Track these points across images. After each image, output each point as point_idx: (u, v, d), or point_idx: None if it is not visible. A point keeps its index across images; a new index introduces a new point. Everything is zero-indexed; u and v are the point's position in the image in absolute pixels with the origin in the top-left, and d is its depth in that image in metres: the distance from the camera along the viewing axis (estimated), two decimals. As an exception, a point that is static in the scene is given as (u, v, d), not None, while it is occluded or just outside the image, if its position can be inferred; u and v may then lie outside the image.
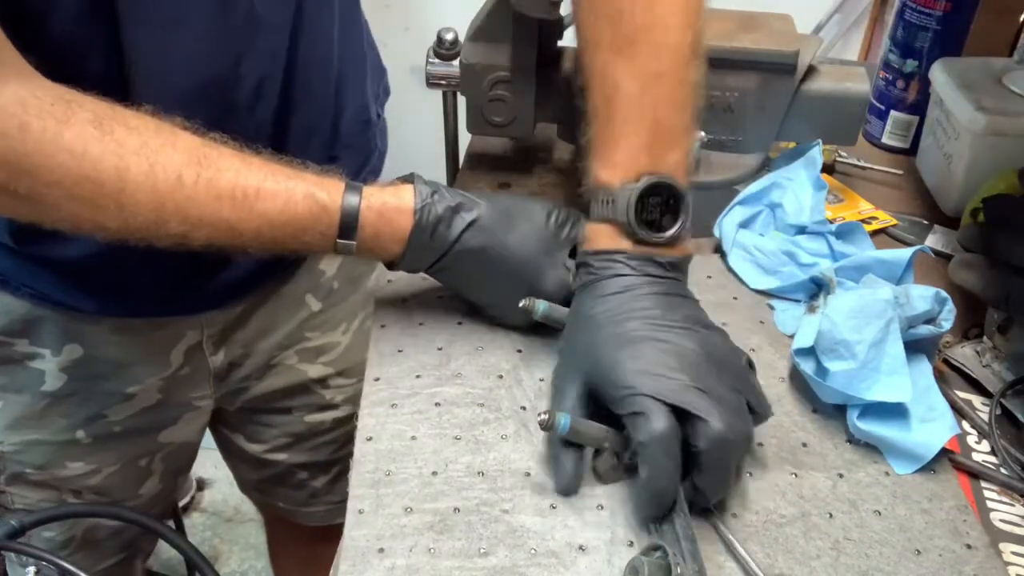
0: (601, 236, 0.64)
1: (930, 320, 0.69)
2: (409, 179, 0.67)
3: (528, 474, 0.62)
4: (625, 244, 0.63)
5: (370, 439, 0.64)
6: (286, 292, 0.91)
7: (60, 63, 0.62)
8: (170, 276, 0.78)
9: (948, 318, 0.69)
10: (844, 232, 0.82)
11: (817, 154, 0.85)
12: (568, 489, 0.60)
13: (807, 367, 0.68)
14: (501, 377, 0.69)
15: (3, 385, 0.83)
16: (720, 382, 0.57)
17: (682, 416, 0.55)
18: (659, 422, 0.54)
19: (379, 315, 0.75)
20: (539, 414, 0.57)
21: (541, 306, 0.66)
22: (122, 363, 0.84)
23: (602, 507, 0.59)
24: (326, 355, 0.96)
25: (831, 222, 0.83)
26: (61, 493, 0.89)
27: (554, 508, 0.59)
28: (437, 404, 0.67)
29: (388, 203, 0.65)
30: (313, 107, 0.81)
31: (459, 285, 0.72)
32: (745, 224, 0.85)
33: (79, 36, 0.63)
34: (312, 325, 0.94)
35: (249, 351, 0.92)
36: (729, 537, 0.57)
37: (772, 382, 0.70)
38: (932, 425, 0.65)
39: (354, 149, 0.90)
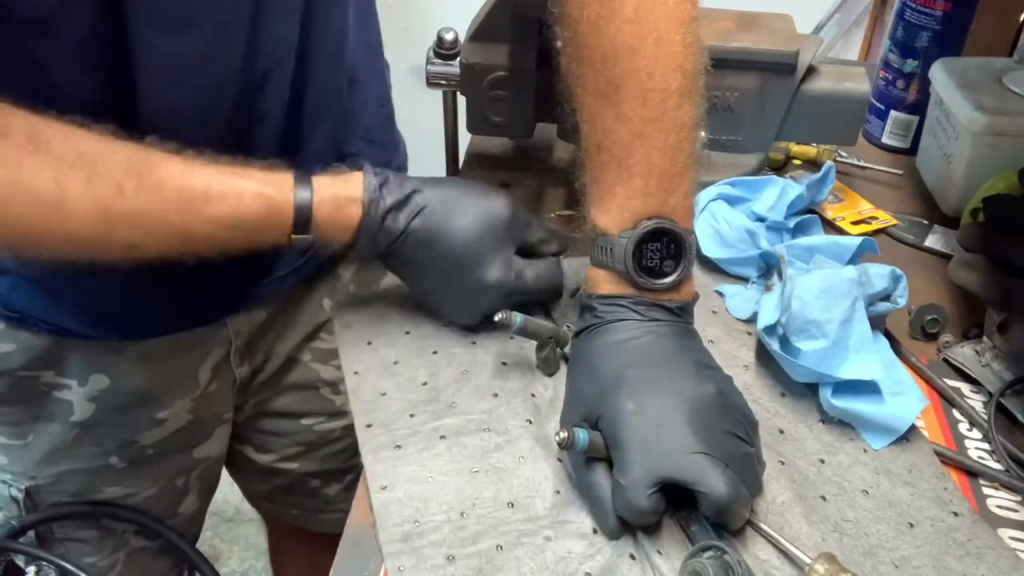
0: (603, 282, 0.63)
1: (886, 297, 0.71)
2: (359, 166, 0.67)
3: (558, 492, 0.60)
4: (628, 290, 0.62)
5: (385, 488, 0.61)
6: (306, 297, 0.91)
7: (64, 74, 0.61)
8: (190, 290, 0.77)
9: (903, 295, 0.72)
10: (802, 227, 0.83)
11: (830, 175, 0.88)
12: (619, 530, 0.57)
13: (775, 346, 0.68)
14: (496, 395, 0.67)
15: (33, 416, 0.81)
16: (727, 435, 0.56)
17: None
18: (636, 502, 0.54)
19: (348, 362, 0.71)
20: (556, 435, 0.56)
21: (518, 319, 0.65)
22: (149, 391, 0.83)
23: None
24: (339, 359, 0.95)
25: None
26: (100, 519, 0.88)
27: (595, 528, 0.58)
28: (443, 437, 0.64)
29: (339, 194, 0.65)
30: (321, 98, 0.78)
31: (410, 276, 0.72)
32: (729, 202, 0.85)
33: (87, 43, 0.61)
34: (328, 328, 0.93)
35: (270, 356, 0.92)
36: (767, 530, 0.57)
37: (736, 371, 0.70)
38: (902, 398, 0.67)
39: (378, 145, 0.88)
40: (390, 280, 0.77)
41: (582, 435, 0.56)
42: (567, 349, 0.69)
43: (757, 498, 0.59)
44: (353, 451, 1.00)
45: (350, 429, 0.98)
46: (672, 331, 0.61)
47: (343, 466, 1.03)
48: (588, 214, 0.65)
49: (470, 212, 0.69)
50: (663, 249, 0.61)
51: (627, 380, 0.58)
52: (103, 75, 0.63)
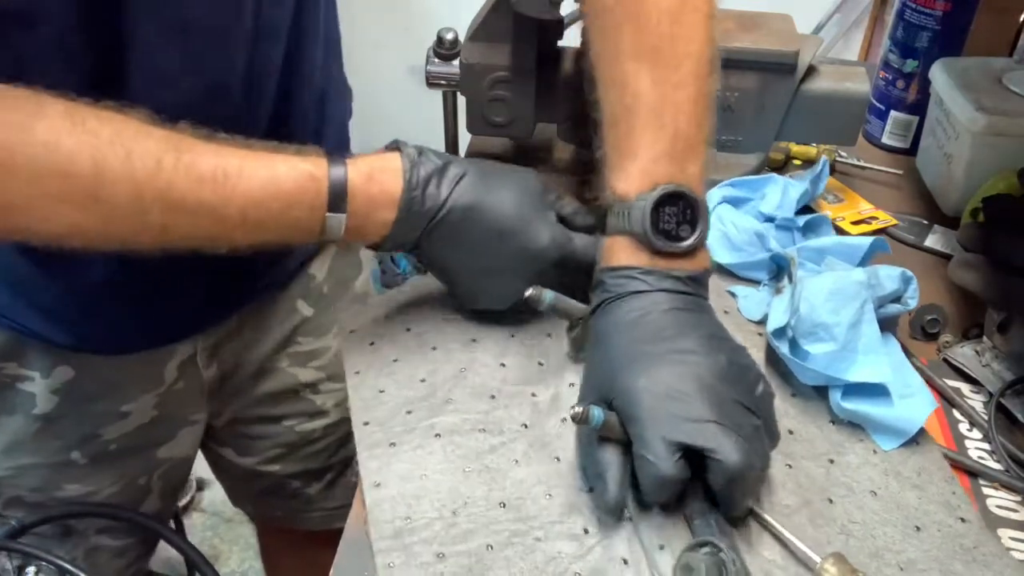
0: (617, 250, 0.62)
1: (896, 299, 0.71)
2: (393, 146, 0.66)
3: (550, 495, 0.60)
4: (642, 257, 0.61)
5: (378, 485, 0.61)
6: (279, 301, 0.91)
7: (52, 65, 0.61)
8: (160, 310, 0.78)
9: (914, 296, 0.72)
10: (812, 225, 0.83)
11: (824, 169, 0.87)
12: (617, 505, 0.57)
13: (784, 349, 0.68)
14: (493, 397, 0.67)
15: None
16: (737, 406, 0.56)
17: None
18: (663, 469, 0.54)
19: (350, 363, 0.72)
20: (571, 408, 0.55)
21: (548, 296, 0.64)
22: (114, 383, 0.83)
23: (630, 517, 0.58)
24: (317, 360, 0.95)
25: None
26: (73, 517, 0.87)
27: (586, 529, 0.58)
28: (437, 435, 0.64)
29: (375, 166, 0.64)
30: (299, 120, 0.80)
31: (447, 257, 0.68)
32: (733, 204, 0.85)
33: (80, 35, 0.61)
34: (304, 330, 0.94)
35: (241, 361, 0.91)
36: (777, 527, 0.57)
37: None
38: (912, 400, 0.66)
39: None
40: (365, 279, 0.76)
41: (596, 412, 0.55)
42: None
43: (763, 501, 0.59)
44: (334, 448, 1.01)
45: (331, 428, 1.00)
46: (682, 304, 0.60)
47: (324, 465, 1.03)
48: (607, 182, 0.64)
49: (507, 181, 0.68)
50: (680, 214, 0.61)
51: (638, 357, 0.58)
52: (86, 67, 0.63)
